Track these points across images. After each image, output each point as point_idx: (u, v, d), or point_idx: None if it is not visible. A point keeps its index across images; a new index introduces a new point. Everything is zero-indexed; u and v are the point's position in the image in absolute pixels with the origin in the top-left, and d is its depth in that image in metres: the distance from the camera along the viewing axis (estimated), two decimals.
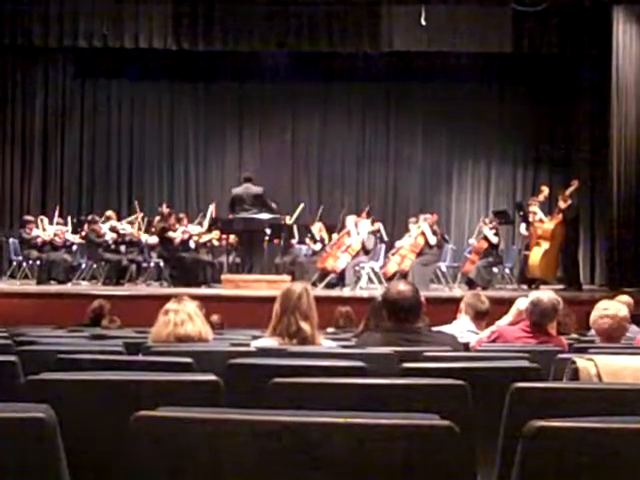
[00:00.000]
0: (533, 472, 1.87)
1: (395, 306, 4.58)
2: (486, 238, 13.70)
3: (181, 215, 14.31)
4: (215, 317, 7.51)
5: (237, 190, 12.99)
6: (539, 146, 16.62)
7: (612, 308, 5.08)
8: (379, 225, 14.02)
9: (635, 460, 1.83)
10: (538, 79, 16.21)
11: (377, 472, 1.79)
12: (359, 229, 13.63)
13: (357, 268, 13.46)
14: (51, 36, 14.60)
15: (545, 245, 13.11)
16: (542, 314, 5.11)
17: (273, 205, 13.09)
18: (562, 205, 13.17)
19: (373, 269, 13.52)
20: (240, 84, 17.00)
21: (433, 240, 13.38)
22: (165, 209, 14.38)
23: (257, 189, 12.91)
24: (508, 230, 15.71)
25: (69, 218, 15.10)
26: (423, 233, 13.42)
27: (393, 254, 13.78)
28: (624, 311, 5.08)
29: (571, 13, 14.15)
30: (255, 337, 5.20)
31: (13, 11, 14.41)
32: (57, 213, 15.11)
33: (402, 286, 4.69)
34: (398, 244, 13.93)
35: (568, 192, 13.30)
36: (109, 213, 14.33)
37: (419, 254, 13.40)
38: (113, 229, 13.80)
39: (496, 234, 13.72)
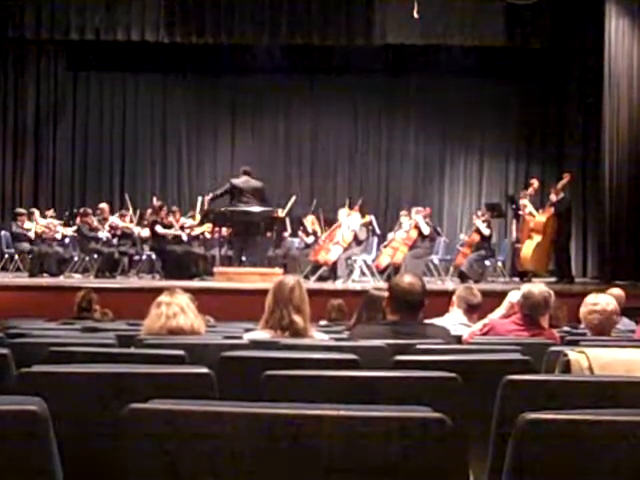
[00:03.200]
0: (525, 464, 1.88)
1: (405, 299, 4.56)
2: (478, 231, 13.70)
3: (174, 208, 14.29)
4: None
5: (237, 181, 12.91)
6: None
7: (601, 303, 5.08)
8: (371, 218, 14.01)
9: (626, 452, 1.84)
10: (530, 72, 16.23)
11: (370, 464, 1.79)
12: (351, 222, 13.63)
13: (349, 261, 13.46)
14: (43, 29, 14.57)
15: (537, 238, 13.12)
16: (534, 307, 5.12)
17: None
18: (554, 198, 13.18)
19: (365, 262, 13.53)
20: (233, 77, 16.98)
21: (427, 230, 13.38)
22: (157, 202, 14.36)
23: (257, 183, 12.90)
24: (500, 223, 15.74)
25: (61, 211, 15.07)
26: (417, 226, 13.42)
27: (385, 246, 13.79)
28: (612, 305, 5.09)
29: (564, 7, 14.17)
30: (248, 330, 5.20)
31: (4, 4, 14.37)
32: (49, 206, 15.08)
33: (412, 280, 4.67)
34: (390, 236, 13.95)
35: (560, 185, 13.31)
36: (102, 206, 14.29)
37: (411, 247, 13.41)
38: (113, 227, 13.78)
39: (488, 227, 13.72)
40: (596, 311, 5.06)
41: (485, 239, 13.65)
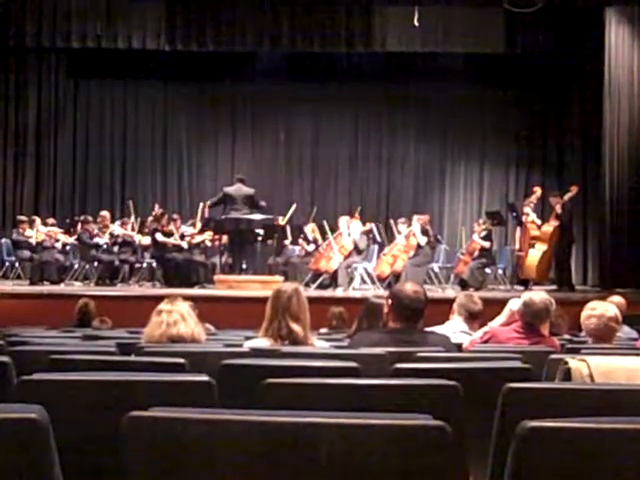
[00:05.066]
0: (526, 471, 1.87)
1: (409, 306, 4.54)
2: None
3: (175, 216, 14.29)
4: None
5: (229, 189, 13.05)
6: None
7: (599, 308, 5.08)
8: (371, 226, 14.01)
9: (627, 460, 1.84)
10: (531, 80, 16.23)
11: (370, 472, 1.79)
12: (351, 230, 13.64)
13: (350, 269, 13.46)
14: (44, 37, 14.60)
15: (542, 247, 13.08)
16: (535, 315, 5.12)
17: (262, 203, 13.11)
18: (559, 210, 13.10)
19: (366, 270, 13.53)
20: (233, 84, 16.99)
21: (423, 240, 13.37)
22: (158, 210, 14.37)
23: (248, 190, 12.98)
24: (501, 231, 15.74)
25: (62, 218, 15.07)
26: (415, 234, 13.42)
27: (385, 254, 13.77)
28: (612, 311, 5.08)
29: (564, 14, 14.18)
30: (248, 338, 5.20)
31: (5, 12, 14.40)
32: (50, 213, 15.08)
33: (416, 288, 4.65)
34: (387, 248, 13.93)
35: (567, 197, 13.22)
36: (103, 213, 14.29)
37: (412, 255, 13.40)
38: (114, 235, 13.78)
39: (487, 236, 13.69)
40: (594, 315, 5.05)
41: (485, 247, 13.65)
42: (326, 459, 1.78)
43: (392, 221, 14.40)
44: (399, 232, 13.88)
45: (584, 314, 5.14)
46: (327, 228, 13.57)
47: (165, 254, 13.32)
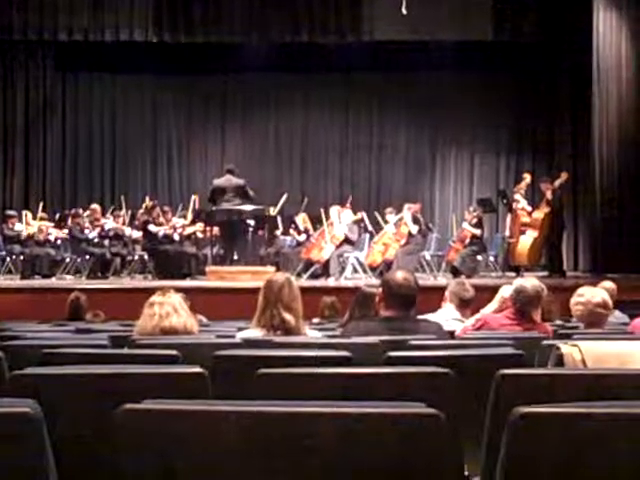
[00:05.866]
0: (519, 458, 1.88)
1: (400, 293, 4.53)
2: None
3: (166, 208, 14.27)
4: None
5: (218, 181, 13.04)
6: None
7: (586, 294, 5.11)
8: (362, 215, 14.01)
9: (619, 445, 1.84)
10: (519, 67, 16.25)
11: (364, 461, 1.79)
12: (342, 219, 13.64)
13: (342, 258, 13.46)
14: (31, 30, 14.54)
15: (533, 234, 13.14)
16: (526, 301, 5.13)
17: (251, 193, 13.08)
18: (549, 196, 13.15)
19: (358, 259, 13.53)
20: (222, 76, 16.97)
21: (414, 229, 13.39)
22: (149, 202, 14.36)
23: (238, 180, 12.96)
24: (492, 218, 15.76)
25: (52, 212, 15.03)
26: (406, 222, 13.43)
27: (375, 243, 13.77)
28: (599, 297, 5.11)
29: (551, 0, 14.18)
30: (240, 328, 5.20)
31: None
32: (40, 207, 15.03)
33: (407, 275, 4.64)
34: (376, 236, 13.94)
35: (557, 184, 13.29)
36: (94, 206, 14.26)
37: (403, 243, 13.42)
38: (104, 229, 13.75)
39: (478, 223, 13.72)
40: (580, 302, 5.09)
41: (476, 235, 13.68)
42: (320, 448, 1.78)
43: (381, 210, 14.38)
44: (387, 222, 13.90)
45: (572, 300, 5.17)
46: (323, 217, 13.54)
47: (157, 246, 13.30)
